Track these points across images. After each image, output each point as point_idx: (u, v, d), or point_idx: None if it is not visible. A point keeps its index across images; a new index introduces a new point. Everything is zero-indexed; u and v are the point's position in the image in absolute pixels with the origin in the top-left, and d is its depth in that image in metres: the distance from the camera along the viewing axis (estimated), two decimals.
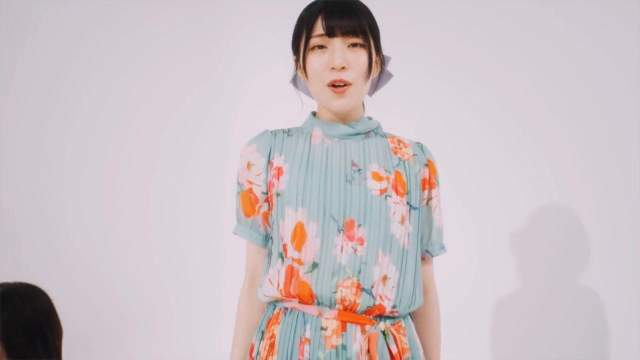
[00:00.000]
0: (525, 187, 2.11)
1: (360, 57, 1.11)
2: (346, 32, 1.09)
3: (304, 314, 1.08)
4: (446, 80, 2.17)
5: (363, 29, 1.10)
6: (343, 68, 1.09)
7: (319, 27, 1.10)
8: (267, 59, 2.21)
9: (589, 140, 2.14)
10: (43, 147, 2.20)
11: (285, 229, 1.11)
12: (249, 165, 1.17)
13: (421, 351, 1.16)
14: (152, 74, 2.23)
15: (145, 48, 2.23)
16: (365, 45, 1.11)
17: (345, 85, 1.10)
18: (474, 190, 2.13)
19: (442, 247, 1.24)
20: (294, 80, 1.22)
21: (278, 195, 1.12)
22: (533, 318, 2.08)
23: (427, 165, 1.20)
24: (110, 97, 2.21)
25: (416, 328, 1.20)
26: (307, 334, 1.07)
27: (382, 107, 1.28)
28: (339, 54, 1.09)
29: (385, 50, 1.20)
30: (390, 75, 1.24)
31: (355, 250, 1.08)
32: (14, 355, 1.22)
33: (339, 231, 1.08)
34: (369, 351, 1.05)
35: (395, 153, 1.18)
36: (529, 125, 2.15)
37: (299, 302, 1.09)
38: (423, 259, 1.21)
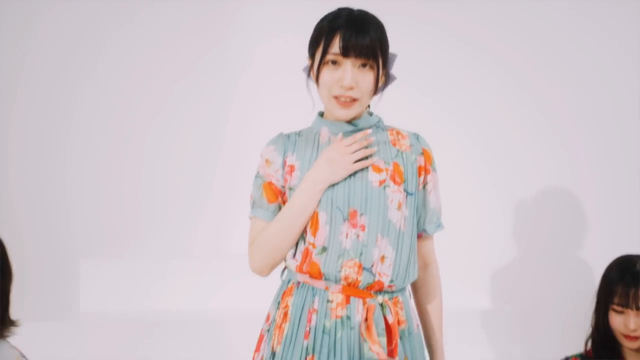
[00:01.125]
0: (524, 166, 2.32)
1: (368, 77, 1.25)
2: (359, 55, 1.22)
3: (313, 287, 1.25)
4: (446, 69, 2.38)
5: (374, 51, 1.23)
6: (351, 88, 1.24)
7: (336, 46, 1.23)
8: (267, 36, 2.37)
9: (586, 118, 2.31)
10: (47, 130, 2.40)
11: None
12: (267, 162, 1.33)
13: (415, 322, 1.32)
14: (151, 55, 2.38)
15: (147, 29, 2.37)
16: (374, 66, 1.25)
17: (352, 100, 1.26)
18: (476, 169, 2.34)
19: (439, 226, 1.38)
20: (308, 74, 1.35)
21: (290, 189, 1.30)
22: (529, 286, 2.29)
23: (422, 154, 1.34)
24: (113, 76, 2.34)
25: (419, 298, 1.38)
26: (315, 305, 1.24)
27: (386, 100, 1.39)
28: (349, 75, 1.23)
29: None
30: (393, 78, 1.36)
31: (358, 236, 1.25)
32: None
33: (344, 220, 1.25)
34: (367, 319, 1.21)
35: (394, 145, 1.32)
36: (526, 105, 2.35)
37: (310, 277, 1.25)
38: (421, 237, 1.36)
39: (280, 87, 2.30)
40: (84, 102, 2.37)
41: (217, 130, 2.43)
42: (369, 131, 1.28)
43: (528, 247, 2.34)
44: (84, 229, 2.33)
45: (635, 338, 1.58)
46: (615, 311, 1.61)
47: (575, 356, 1.71)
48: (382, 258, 1.24)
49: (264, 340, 1.30)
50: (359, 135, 1.27)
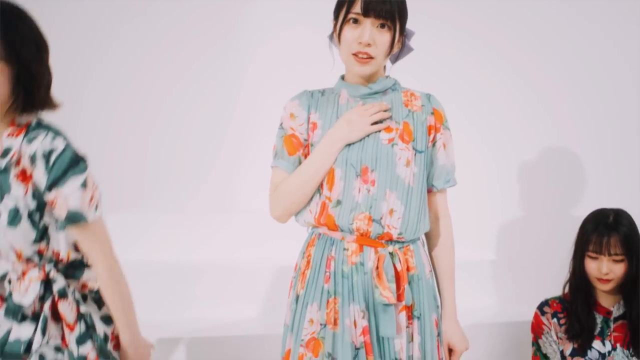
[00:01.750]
0: (527, 130, 2.46)
1: (384, 37, 1.34)
2: (378, 15, 1.32)
3: (331, 238, 1.38)
4: (457, 43, 2.54)
5: (392, 14, 1.33)
6: (369, 44, 1.33)
7: (358, 6, 1.33)
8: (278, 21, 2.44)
9: (581, 89, 2.42)
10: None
11: None
12: (291, 116, 1.42)
13: (427, 269, 1.42)
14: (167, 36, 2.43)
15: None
16: (391, 28, 1.34)
17: (368, 57, 1.34)
18: (485, 131, 2.50)
19: (449, 181, 1.46)
20: (331, 39, 1.45)
21: (312, 145, 1.41)
22: (529, 240, 2.46)
23: (432, 113, 1.43)
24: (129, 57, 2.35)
25: (431, 248, 1.48)
26: (333, 253, 1.36)
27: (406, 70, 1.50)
28: (368, 33, 1.32)
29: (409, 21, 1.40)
30: (410, 49, 1.46)
31: (369, 191, 1.35)
32: (23, 69, 1.13)
33: (357, 176, 1.36)
34: (377, 267, 1.33)
35: (406, 106, 1.42)
36: (529, 77, 2.48)
37: (327, 229, 1.36)
38: (430, 191, 1.45)
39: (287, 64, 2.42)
40: (103, 70, 2.42)
41: (230, 99, 2.51)
42: (388, 106, 1.37)
43: (530, 205, 2.49)
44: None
45: (607, 281, 1.73)
46: (590, 257, 1.75)
47: (554, 298, 1.85)
48: (391, 211, 1.35)
49: (291, 286, 1.42)
50: (379, 105, 1.36)
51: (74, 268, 1.26)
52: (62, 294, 1.21)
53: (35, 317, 1.20)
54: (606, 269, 1.72)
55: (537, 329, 1.86)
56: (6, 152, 1.16)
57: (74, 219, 1.17)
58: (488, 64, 2.53)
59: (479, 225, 2.42)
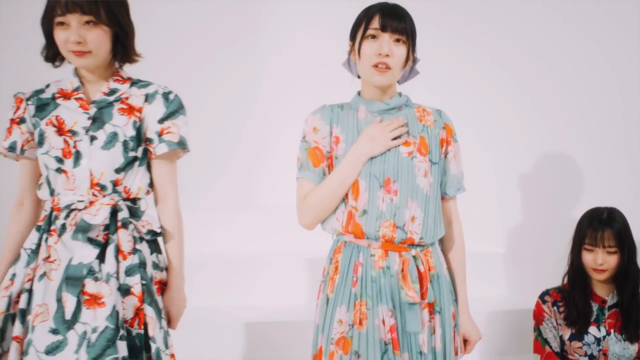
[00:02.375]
0: (526, 137, 2.63)
1: (401, 50, 1.47)
2: (394, 30, 1.45)
3: (358, 245, 1.49)
4: (463, 56, 2.71)
5: (407, 31, 1.47)
6: (387, 55, 1.45)
7: (376, 23, 1.46)
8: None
9: (575, 96, 2.57)
10: None
11: None
12: (314, 130, 1.53)
13: (444, 267, 1.56)
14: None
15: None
16: (407, 43, 1.47)
17: (386, 67, 1.46)
18: (487, 140, 2.68)
19: (459, 189, 1.59)
20: (348, 63, 1.57)
21: (336, 158, 1.51)
22: (534, 238, 2.65)
23: (444, 128, 1.56)
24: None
25: (445, 249, 1.60)
26: (360, 260, 1.47)
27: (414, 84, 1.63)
28: (387, 45, 1.45)
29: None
30: (417, 72, 1.59)
31: (392, 200, 1.47)
32: (120, 30, 1.38)
33: (380, 187, 1.47)
34: (402, 270, 1.45)
35: (420, 121, 1.54)
36: (527, 85, 2.65)
37: (354, 237, 1.48)
38: (443, 198, 1.57)
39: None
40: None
41: (249, 94, 2.61)
42: (405, 121, 1.49)
43: (533, 207, 2.70)
44: None
45: (602, 271, 1.89)
46: (587, 250, 1.90)
47: (554, 289, 2.01)
48: (412, 218, 1.47)
49: (320, 289, 1.54)
50: (397, 121, 1.47)
51: (136, 209, 1.43)
52: (125, 224, 1.38)
53: (98, 243, 1.35)
54: (601, 260, 1.88)
55: (538, 316, 2.01)
56: (113, 91, 1.43)
57: (183, 144, 1.45)
58: (487, 72, 2.70)
59: (490, 222, 2.64)
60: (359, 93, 1.57)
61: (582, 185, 2.53)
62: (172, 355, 1.46)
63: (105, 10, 1.36)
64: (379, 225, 1.46)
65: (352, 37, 1.52)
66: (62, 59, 1.44)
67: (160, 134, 1.43)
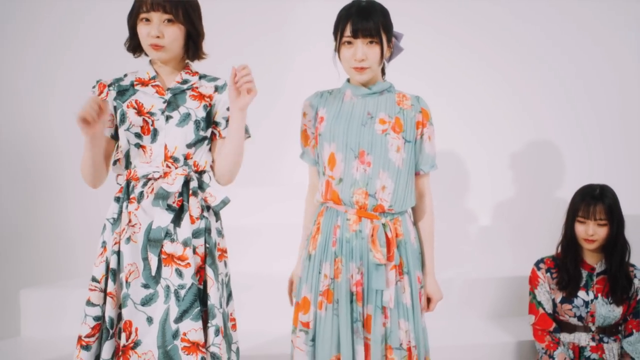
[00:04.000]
0: (513, 123, 2.94)
1: (374, 50, 1.62)
2: (365, 35, 1.60)
3: (337, 210, 1.69)
4: (448, 48, 2.99)
5: (378, 31, 1.61)
6: (362, 60, 1.62)
7: (348, 30, 1.62)
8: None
9: (566, 88, 2.85)
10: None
11: (324, 156, 1.70)
12: (304, 114, 1.76)
13: (412, 235, 1.73)
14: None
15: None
16: (379, 42, 1.62)
17: (363, 68, 1.63)
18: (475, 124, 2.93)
19: (432, 166, 1.75)
20: (335, 56, 1.74)
21: (320, 135, 1.71)
22: (522, 214, 2.93)
23: (420, 112, 1.71)
24: None
25: (416, 219, 1.78)
26: (338, 222, 1.68)
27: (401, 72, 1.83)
28: (360, 50, 1.61)
29: (401, 24, 1.68)
30: (401, 49, 1.74)
31: (365, 170, 1.65)
32: (193, 29, 1.59)
33: (355, 157, 1.65)
34: (372, 235, 1.64)
35: (398, 105, 1.70)
36: (516, 80, 2.97)
37: (334, 203, 1.68)
38: (418, 174, 1.74)
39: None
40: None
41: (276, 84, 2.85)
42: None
43: (532, 186, 2.95)
44: None
45: (592, 241, 2.07)
46: (579, 222, 2.09)
47: (548, 257, 2.20)
48: (383, 187, 1.64)
49: (303, 247, 1.77)
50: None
51: (202, 181, 1.63)
52: (195, 193, 1.60)
53: (173, 209, 1.57)
54: (592, 231, 2.06)
55: (533, 281, 2.21)
56: (185, 81, 1.65)
57: (246, 130, 1.66)
58: (486, 69, 2.99)
59: (492, 199, 2.92)
60: (348, 80, 1.74)
61: (580, 169, 2.80)
62: (233, 319, 1.69)
63: (183, 11, 1.57)
64: (352, 192, 1.64)
65: (335, 38, 1.67)
66: (141, 51, 1.65)
67: (227, 119, 1.65)
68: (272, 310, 2.12)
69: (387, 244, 1.64)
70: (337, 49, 1.66)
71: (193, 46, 1.64)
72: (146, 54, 1.65)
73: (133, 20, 1.61)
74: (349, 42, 1.62)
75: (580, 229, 2.11)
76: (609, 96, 2.97)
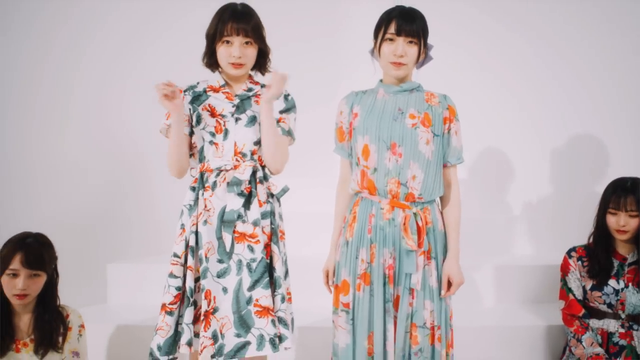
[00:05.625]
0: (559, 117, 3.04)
1: (413, 50, 1.81)
2: (407, 34, 1.79)
3: (371, 201, 1.84)
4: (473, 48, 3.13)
5: (418, 33, 1.80)
6: (402, 56, 1.79)
7: (392, 28, 1.80)
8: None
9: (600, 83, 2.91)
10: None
11: (357, 148, 1.86)
12: (340, 112, 1.93)
13: (440, 223, 1.87)
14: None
15: None
16: (418, 43, 1.80)
17: (401, 64, 1.81)
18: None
19: (459, 159, 1.89)
20: (372, 54, 1.92)
21: (354, 129, 1.88)
22: (559, 207, 3.08)
23: (447, 109, 1.86)
24: None
25: (443, 207, 1.91)
26: (373, 211, 1.83)
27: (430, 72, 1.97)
28: (401, 47, 1.79)
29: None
30: (430, 58, 1.90)
31: (397, 161, 1.80)
32: (263, 46, 1.85)
33: (387, 149, 1.81)
34: (404, 224, 1.79)
35: (427, 102, 1.86)
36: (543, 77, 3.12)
37: (369, 193, 1.83)
38: (445, 166, 1.88)
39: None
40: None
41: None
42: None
43: (568, 181, 3.05)
44: None
45: (624, 232, 2.13)
46: (611, 213, 2.15)
47: (580, 246, 2.27)
48: (413, 177, 1.79)
49: (341, 233, 1.91)
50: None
51: (265, 173, 1.89)
52: (261, 181, 1.86)
53: (243, 194, 1.82)
54: (623, 222, 2.12)
55: (565, 269, 2.29)
56: (250, 89, 1.91)
57: (290, 133, 1.93)
58: (521, 66, 3.15)
59: (532, 192, 3.10)
60: (381, 80, 1.92)
61: (606, 161, 2.84)
62: (289, 293, 1.91)
63: (258, 34, 1.84)
64: (386, 182, 1.79)
65: (375, 36, 1.85)
66: (217, 67, 1.89)
67: (278, 121, 1.90)
68: (307, 288, 2.31)
69: (418, 231, 1.79)
70: (379, 46, 1.82)
71: (262, 61, 1.91)
72: (216, 69, 1.91)
73: (213, 40, 1.85)
74: (391, 40, 1.79)
75: (612, 220, 2.17)
76: None
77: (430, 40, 1.86)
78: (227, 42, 1.82)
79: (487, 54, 3.15)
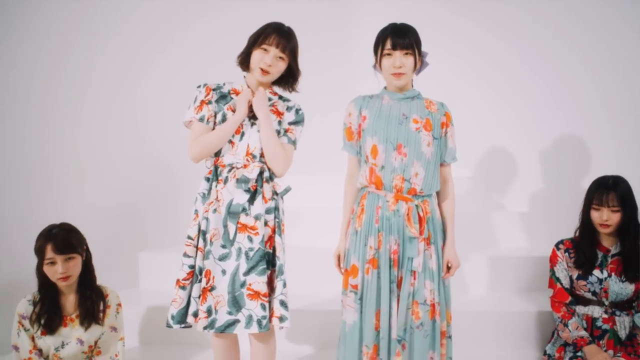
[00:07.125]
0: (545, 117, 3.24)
1: (409, 60, 2.02)
2: (402, 47, 2.00)
3: (377, 194, 2.05)
4: (468, 51, 3.39)
5: (412, 45, 2.01)
6: (400, 67, 2.01)
7: (388, 44, 2.01)
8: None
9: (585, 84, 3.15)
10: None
11: (366, 147, 2.06)
12: (349, 114, 2.13)
13: (437, 213, 2.09)
14: None
15: None
16: (413, 54, 2.02)
17: (400, 74, 2.02)
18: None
19: (454, 158, 2.12)
20: (374, 68, 2.14)
21: (363, 130, 2.08)
22: (552, 202, 3.28)
23: (444, 115, 2.09)
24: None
25: (440, 201, 2.13)
26: (379, 204, 2.04)
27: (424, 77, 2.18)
28: (398, 60, 2.01)
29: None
30: (427, 64, 2.11)
31: (402, 160, 2.01)
32: (293, 63, 2.05)
33: (394, 149, 2.01)
34: (408, 214, 2.00)
35: (427, 108, 2.08)
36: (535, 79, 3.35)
37: (375, 188, 2.05)
38: (442, 165, 2.11)
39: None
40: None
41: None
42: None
43: (555, 178, 3.26)
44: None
45: (607, 226, 2.30)
46: (594, 209, 2.32)
47: (567, 239, 2.44)
48: (416, 174, 2.00)
49: (350, 224, 2.12)
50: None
51: (271, 174, 2.06)
52: (267, 180, 2.04)
53: (249, 191, 2.00)
54: (606, 217, 2.29)
55: (553, 260, 2.46)
56: (269, 99, 2.09)
57: (294, 143, 2.12)
58: (518, 68, 3.35)
59: (525, 189, 3.29)
60: (385, 87, 2.13)
61: (590, 159, 3.06)
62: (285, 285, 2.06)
63: (293, 53, 2.05)
64: (392, 178, 2.00)
65: (375, 53, 2.07)
66: (247, 68, 2.07)
67: (286, 131, 2.10)
68: (319, 276, 2.53)
69: (419, 221, 2.01)
70: (379, 61, 2.05)
71: (292, 81, 2.13)
72: (245, 70, 2.10)
73: (253, 45, 2.03)
74: (389, 54, 2.00)
75: (596, 215, 2.33)
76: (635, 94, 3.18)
77: (428, 51, 2.08)
78: (265, 49, 2.00)
79: (480, 62, 3.41)
